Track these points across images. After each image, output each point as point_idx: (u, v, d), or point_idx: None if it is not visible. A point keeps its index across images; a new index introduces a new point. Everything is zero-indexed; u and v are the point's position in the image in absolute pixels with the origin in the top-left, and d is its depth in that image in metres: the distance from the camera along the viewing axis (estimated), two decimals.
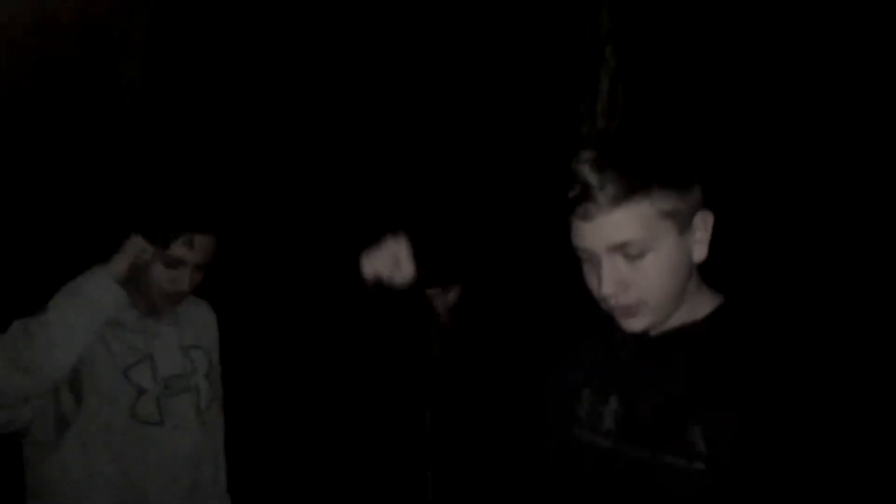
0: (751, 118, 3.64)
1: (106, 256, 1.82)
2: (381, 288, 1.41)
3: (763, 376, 1.13)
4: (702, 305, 1.23)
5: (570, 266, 1.24)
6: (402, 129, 4.50)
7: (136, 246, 1.81)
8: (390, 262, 1.40)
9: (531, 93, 3.98)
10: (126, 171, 4.05)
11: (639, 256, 1.14)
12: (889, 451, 1.09)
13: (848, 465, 1.09)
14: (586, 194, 1.12)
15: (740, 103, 3.65)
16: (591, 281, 1.20)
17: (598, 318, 1.25)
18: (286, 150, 4.80)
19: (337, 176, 4.58)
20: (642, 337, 1.22)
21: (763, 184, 3.55)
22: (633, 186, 1.11)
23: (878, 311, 3.11)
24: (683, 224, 1.16)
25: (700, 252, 1.19)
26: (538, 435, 1.34)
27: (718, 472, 1.10)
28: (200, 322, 2.10)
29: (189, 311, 2.06)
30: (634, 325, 1.19)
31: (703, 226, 1.19)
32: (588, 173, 1.12)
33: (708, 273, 1.25)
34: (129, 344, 1.89)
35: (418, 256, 1.41)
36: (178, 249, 1.85)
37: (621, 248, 1.14)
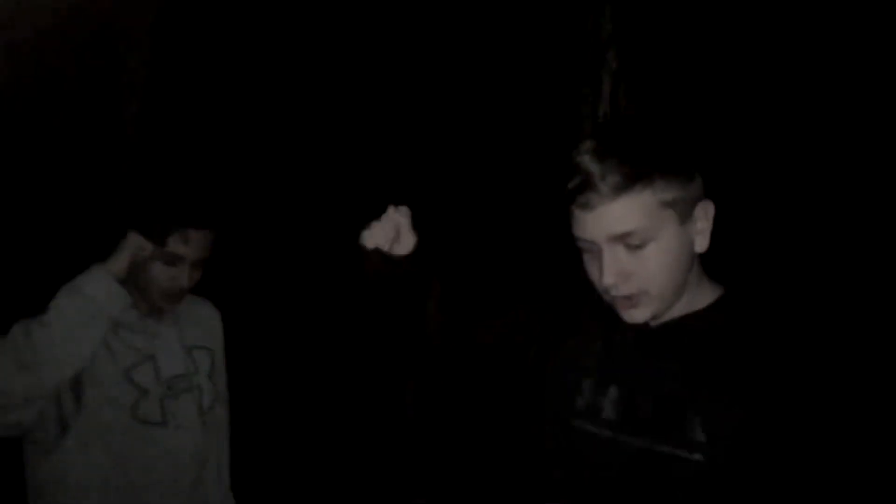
0: (753, 118, 3.64)
1: (104, 255, 1.82)
2: (380, 259, 1.40)
3: (763, 368, 1.13)
4: (703, 296, 1.22)
5: (570, 255, 1.24)
6: (404, 130, 4.51)
7: (134, 243, 1.81)
8: (391, 232, 1.40)
9: (533, 95, 3.99)
10: (126, 170, 4.06)
11: (640, 247, 1.13)
12: (888, 445, 1.09)
13: (847, 458, 1.09)
14: (587, 184, 1.12)
15: (742, 104, 3.65)
16: (592, 271, 1.20)
17: (598, 308, 1.25)
18: (284, 147, 4.80)
19: (336, 171, 4.58)
20: (643, 327, 1.21)
21: (764, 175, 3.54)
22: (634, 176, 1.10)
23: (878, 304, 3.11)
24: (685, 214, 1.16)
25: (701, 242, 1.19)
26: (537, 425, 1.33)
27: (717, 464, 1.10)
28: (203, 321, 2.09)
29: (191, 310, 2.05)
30: (636, 315, 1.18)
31: (704, 216, 1.18)
32: (589, 163, 1.12)
33: (709, 264, 1.24)
34: (131, 344, 1.89)
35: (419, 229, 1.41)
36: (174, 246, 1.85)
37: (622, 239, 1.13)
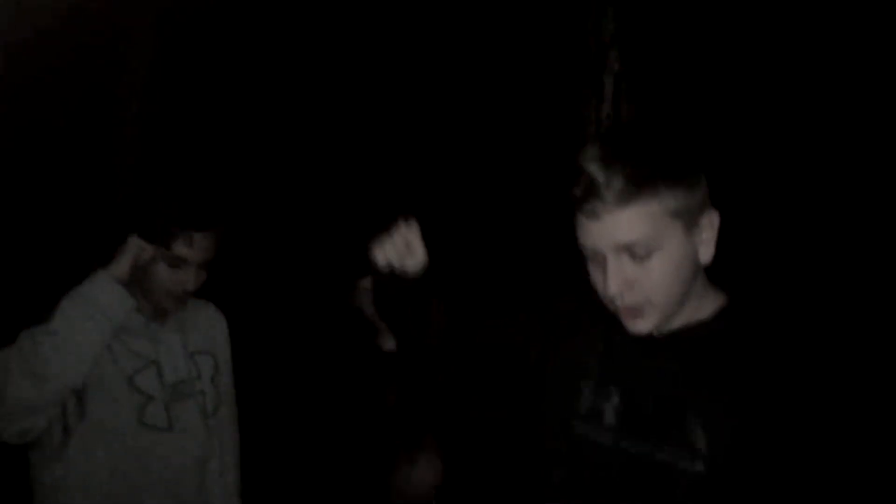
0: (756, 120, 3.64)
1: (106, 257, 1.82)
2: (392, 275, 1.40)
3: (766, 378, 1.13)
4: (707, 305, 1.22)
5: (572, 258, 1.23)
6: (406, 132, 4.51)
7: (135, 247, 1.81)
8: (402, 247, 1.39)
9: (535, 97, 3.99)
10: (126, 172, 4.05)
11: (645, 256, 1.13)
12: (891, 456, 1.08)
13: (849, 469, 1.08)
14: (593, 191, 1.11)
15: (745, 106, 3.65)
16: (597, 279, 1.19)
17: (599, 312, 1.24)
18: (286, 148, 4.80)
19: (338, 174, 4.58)
20: (646, 335, 1.21)
21: (769, 183, 3.54)
22: (640, 185, 1.10)
23: (882, 312, 3.10)
24: (690, 224, 1.15)
25: (706, 253, 1.18)
26: (538, 428, 1.33)
27: (718, 472, 1.10)
28: (206, 326, 2.09)
29: (194, 314, 2.06)
30: (640, 326, 1.18)
31: (709, 226, 1.18)
32: (595, 170, 1.11)
33: (714, 272, 1.24)
34: (135, 350, 1.89)
35: (428, 243, 1.40)
36: (178, 248, 1.85)
37: (628, 248, 1.13)
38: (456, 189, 4.22)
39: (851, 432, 1.09)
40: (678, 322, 1.20)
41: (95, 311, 1.74)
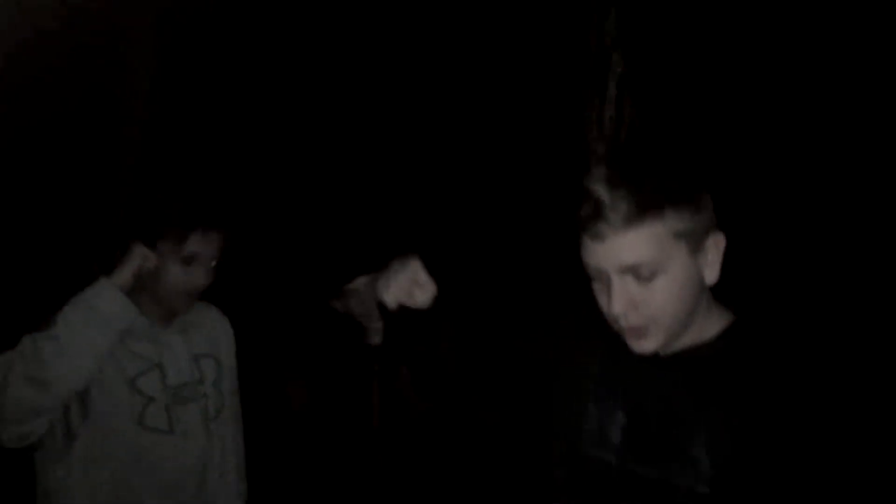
0: (759, 123, 3.64)
1: (108, 258, 1.83)
2: (405, 313, 1.40)
3: (771, 399, 1.13)
4: (712, 325, 1.22)
5: (578, 278, 1.24)
6: (410, 137, 4.51)
7: (139, 255, 1.82)
8: (409, 285, 1.40)
9: (539, 99, 3.98)
10: (129, 172, 4.04)
11: (650, 278, 1.13)
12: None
13: (854, 489, 1.08)
14: (598, 213, 1.12)
15: (748, 108, 3.65)
16: (601, 300, 1.20)
17: (605, 333, 1.24)
18: (290, 156, 4.80)
19: (344, 186, 4.58)
20: (651, 355, 1.21)
21: (773, 195, 3.54)
22: (646, 207, 1.10)
23: (887, 331, 3.08)
24: (695, 246, 1.15)
25: (711, 274, 1.18)
26: (544, 448, 1.33)
27: (723, 493, 1.10)
28: (210, 329, 2.09)
29: (199, 317, 2.06)
30: (644, 346, 1.18)
31: (714, 247, 1.18)
32: (601, 191, 1.12)
33: (719, 290, 1.24)
34: (138, 352, 1.89)
35: (434, 273, 1.41)
36: (192, 245, 1.86)
37: (633, 269, 1.13)
38: (458, 193, 4.22)
39: (855, 452, 1.09)
40: (683, 342, 1.20)
41: (98, 320, 1.75)
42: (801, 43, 3.58)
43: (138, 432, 1.85)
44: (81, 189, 4.20)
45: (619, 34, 3.04)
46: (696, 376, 1.18)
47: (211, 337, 2.08)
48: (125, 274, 1.80)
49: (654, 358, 1.21)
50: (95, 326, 1.74)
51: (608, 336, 1.24)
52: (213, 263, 1.93)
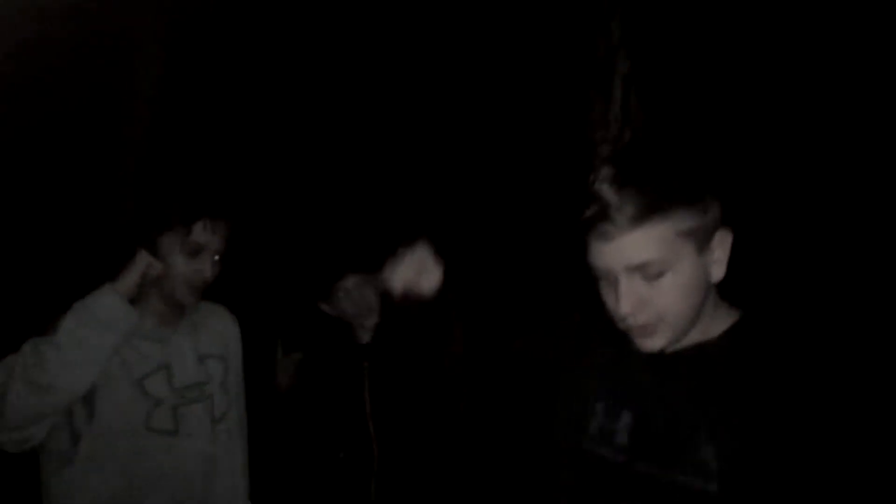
0: (764, 122, 3.64)
1: (109, 258, 1.82)
2: (411, 298, 1.39)
3: (777, 396, 1.12)
4: (718, 323, 1.22)
5: (582, 278, 1.23)
6: (414, 137, 4.51)
7: (143, 262, 1.82)
8: (416, 270, 1.40)
9: (545, 99, 3.99)
10: (131, 173, 4.04)
11: (657, 276, 1.13)
12: None
13: (860, 488, 1.08)
14: (605, 214, 1.12)
15: (754, 108, 3.65)
16: (608, 299, 1.20)
17: (610, 332, 1.24)
18: (295, 153, 4.80)
19: (345, 187, 4.58)
20: (657, 353, 1.21)
21: (778, 194, 3.54)
22: (652, 206, 1.10)
23: (893, 331, 3.08)
24: (702, 243, 1.15)
25: (718, 272, 1.19)
26: (549, 447, 1.33)
27: (730, 492, 1.10)
28: (217, 330, 2.09)
29: (206, 318, 2.05)
30: (651, 344, 1.18)
31: (721, 245, 1.18)
32: (607, 192, 1.12)
33: (725, 288, 1.24)
34: (145, 353, 1.89)
35: (441, 258, 1.40)
36: (198, 235, 1.86)
37: (640, 269, 1.13)
38: (464, 194, 4.23)
39: (862, 451, 1.09)
40: (689, 340, 1.21)
41: (100, 327, 1.74)
42: (805, 43, 3.58)
43: (144, 434, 1.85)
44: (83, 189, 4.19)
45: (625, 35, 3.04)
46: (703, 374, 1.18)
47: (218, 337, 2.08)
48: (129, 281, 1.80)
49: (660, 357, 1.21)
50: (97, 333, 1.73)
51: (612, 335, 1.24)
52: (219, 256, 1.92)
